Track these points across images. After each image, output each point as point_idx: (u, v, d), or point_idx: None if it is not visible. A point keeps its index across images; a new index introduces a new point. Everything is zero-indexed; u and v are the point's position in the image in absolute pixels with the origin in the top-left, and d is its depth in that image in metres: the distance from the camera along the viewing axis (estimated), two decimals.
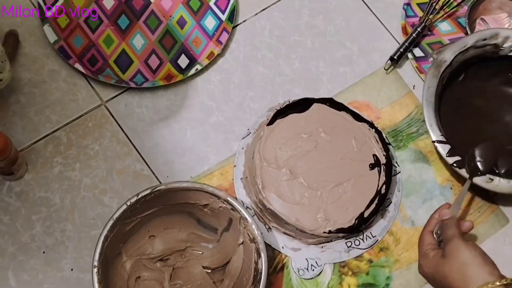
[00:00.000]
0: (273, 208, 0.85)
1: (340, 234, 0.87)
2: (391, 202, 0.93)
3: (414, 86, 1.00)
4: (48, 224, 0.84)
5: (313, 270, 0.88)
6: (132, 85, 0.92)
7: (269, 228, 0.89)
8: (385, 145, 0.92)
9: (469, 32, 1.01)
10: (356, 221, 0.87)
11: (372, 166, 0.90)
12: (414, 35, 1.00)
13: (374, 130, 0.92)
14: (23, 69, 0.91)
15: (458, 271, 0.73)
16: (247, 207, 0.89)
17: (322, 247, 0.89)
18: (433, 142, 0.92)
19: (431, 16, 1.02)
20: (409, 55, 1.00)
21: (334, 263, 0.89)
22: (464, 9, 1.04)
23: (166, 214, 0.84)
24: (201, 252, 0.86)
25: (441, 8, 1.03)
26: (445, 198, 0.94)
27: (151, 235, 0.84)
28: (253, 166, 0.88)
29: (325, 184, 0.88)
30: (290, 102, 0.93)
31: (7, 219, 0.84)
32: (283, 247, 0.88)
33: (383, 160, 0.91)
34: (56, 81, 0.91)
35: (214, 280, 0.84)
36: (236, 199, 0.86)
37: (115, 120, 0.91)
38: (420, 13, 1.04)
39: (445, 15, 1.04)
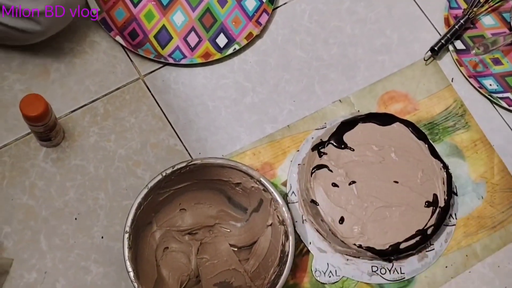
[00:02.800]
0: (315, 199, 0.92)
1: (369, 254, 0.91)
2: (433, 249, 0.97)
3: (452, 79, 1.07)
4: (82, 191, 0.94)
5: (329, 276, 0.94)
6: (171, 61, 1.01)
7: (305, 220, 0.96)
8: (450, 191, 0.96)
9: None
10: (390, 248, 0.91)
11: (428, 204, 0.94)
12: (456, 27, 1.07)
13: (445, 171, 0.96)
14: (64, 39, 1.00)
15: None
16: (293, 192, 0.97)
17: (347, 259, 0.95)
18: None
19: (475, 9, 1.09)
20: (450, 47, 1.07)
21: (353, 280, 0.94)
22: (509, 4, 1.11)
23: (198, 189, 0.92)
24: (229, 230, 0.95)
25: (486, 1, 1.10)
26: (477, 195, 1.01)
27: (182, 208, 0.93)
28: (313, 156, 0.95)
29: (374, 200, 0.93)
30: (374, 112, 0.99)
31: (42, 184, 0.93)
32: (310, 243, 0.95)
33: (441, 203, 0.94)
34: (97, 52, 1.01)
35: (240, 259, 0.92)
36: (273, 184, 0.93)
37: (152, 94, 1.00)
38: (464, 5, 1.11)
39: (489, 9, 1.11)
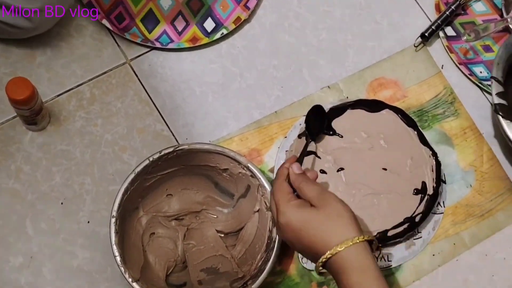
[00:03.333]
0: None
1: None
2: (421, 237, 0.98)
3: (442, 66, 1.08)
4: (68, 176, 0.94)
5: None
6: (158, 45, 1.01)
7: None
8: (439, 179, 0.96)
9: (504, 14, 1.10)
10: (377, 235, 0.92)
11: (416, 192, 0.95)
12: (447, 13, 1.08)
13: (434, 159, 0.97)
14: None
15: (331, 223, 0.75)
16: None
17: None
18: (491, 77, 0.99)
19: None
20: (441, 34, 1.08)
21: None
22: None
23: (185, 174, 0.93)
24: (215, 216, 0.96)
25: None
26: (466, 183, 1.02)
27: (168, 194, 0.94)
28: (301, 143, 0.95)
29: (362, 187, 0.94)
30: (363, 98, 1.00)
31: (27, 168, 0.94)
32: None
33: (430, 190, 0.95)
34: (83, 36, 1.01)
35: (226, 244, 0.94)
36: (260, 169, 0.94)
37: (139, 79, 1.01)
38: None
39: None
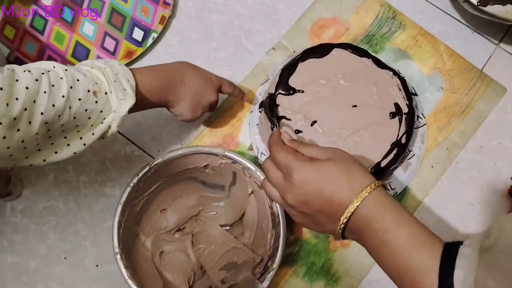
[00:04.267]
0: None
1: None
2: (414, 155, 0.98)
3: None
4: (60, 230, 0.94)
5: None
6: None
7: None
8: (409, 94, 0.96)
9: None
10: (372, 171, 0.92)
11: (392, 115, 0.94)
12: None
13: (397, 77, 0.96)
14: None
15: (350, 172, 0.70)
16: (262, 153, 0.98)
17: None
18: None
19: None
20: None
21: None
22: None
23: (170, 185, 0.93)
24: (214, 212, 0.96)
25: None
26: (436, 87, 1.03)
27: (162, 209, 0.94)
28: (266, 112, 0.95)
29: (341, 131, 0.93)
30: (309, 47, 0.98)
31: (19, 238, 0.93)
32: None
33: (405, 109, 0.95)
34: None
35: (234, 235, 0.94)
36: (239, 153, 0.95)
37: None
38: None
39: None
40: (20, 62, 0.99)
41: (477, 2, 1.00)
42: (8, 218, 0.94)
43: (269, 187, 0.75)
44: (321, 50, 0.98)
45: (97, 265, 0.93)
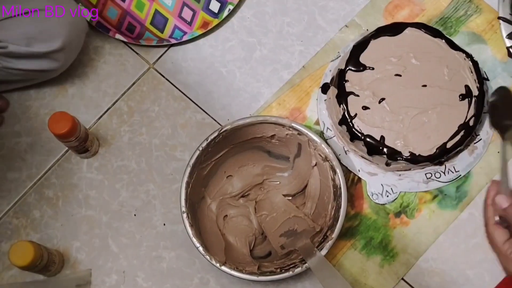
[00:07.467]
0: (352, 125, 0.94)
1: (420, 164, 0.94)
2: (481, 139, 0.99)
3: None
4: (132, 188, 1.00)
5: (387, 196, 0.98)
6: (173, 41, 1.05)
7: (347, 150, 0.99)
8: (480, 77, 0.96)
9: None
10: (437, 151, 0.93)
11: (462, 97, 0.95)
12: None
13: (470, 60, 0.97)
14: None
15: None
16: (327, 128, 1.01)
17: (400, 175, 0.98)
18: (499, 18, 1.00)
19: None
20: None
21: (411, 192, 0.98)
22: None
23: (237, 153, 0.97)
24: (278, 182, 1.00)
25: None
26: (509, 73, 1.03)
27: (228, 175, 0.98)
28: (335, 88, 0.97)
29: (408, 110, 0.95)
30: (382, 26, 1.00)
31: (94, 193, 1.00)
32: (359, 170, 0.99)
33: (475, 92, 0.96)
34: (103, 56, 1.06)
35: (296, 205, 0.98)
36: (307, 126, 0.97)
37: (166, 79, 1.05)
38: None
39: None
40: (102, 27, 1.05)
41: None
42: (85, 174, 1.01)
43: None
44: (394, 29, 0.99)
45: (164, 224, 0.98)
